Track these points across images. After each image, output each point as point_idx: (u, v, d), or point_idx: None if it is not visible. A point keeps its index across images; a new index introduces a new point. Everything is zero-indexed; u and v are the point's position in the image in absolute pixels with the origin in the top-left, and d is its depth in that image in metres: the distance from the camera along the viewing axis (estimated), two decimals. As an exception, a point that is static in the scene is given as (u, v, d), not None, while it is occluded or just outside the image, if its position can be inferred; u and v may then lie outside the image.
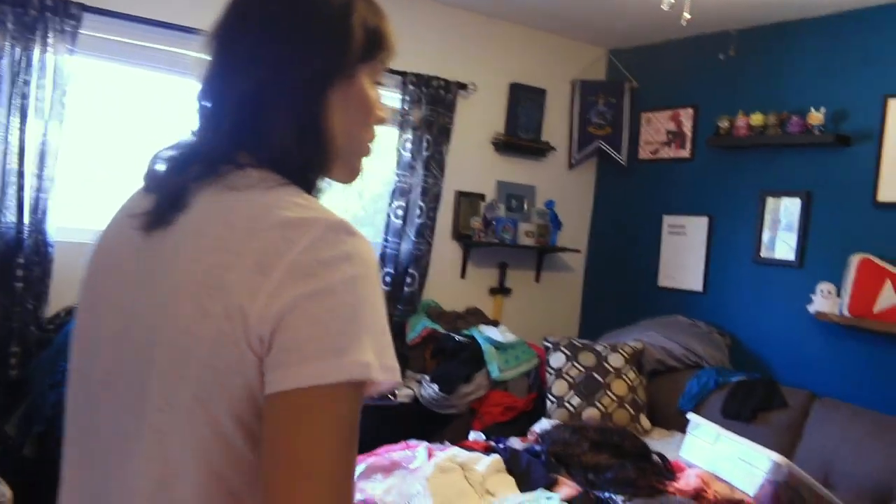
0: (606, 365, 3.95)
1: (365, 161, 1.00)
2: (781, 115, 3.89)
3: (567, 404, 3.86)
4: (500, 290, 4.81)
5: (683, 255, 4.49)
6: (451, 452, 2.96)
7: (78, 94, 3.39)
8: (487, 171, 4.70)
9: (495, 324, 4.41)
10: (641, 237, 4.76)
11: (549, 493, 2.73)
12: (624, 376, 3.93)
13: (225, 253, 0.80)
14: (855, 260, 3.52)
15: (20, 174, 3.23)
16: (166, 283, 0.84)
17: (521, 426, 3.76)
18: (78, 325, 0.96)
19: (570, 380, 3.92)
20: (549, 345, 4.10)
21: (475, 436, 3.45)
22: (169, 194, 0.88)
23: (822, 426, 3.43)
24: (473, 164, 4.62)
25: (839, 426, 3.36)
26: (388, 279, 4.27)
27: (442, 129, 4.29)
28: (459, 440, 3.33)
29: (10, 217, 3.24)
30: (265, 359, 0.77)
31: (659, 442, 3.64)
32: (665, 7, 2.96)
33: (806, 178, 3.87)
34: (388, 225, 4.27)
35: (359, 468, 2.72)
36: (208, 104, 0.91)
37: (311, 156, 0.89)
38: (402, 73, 4.20)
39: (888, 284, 3.41)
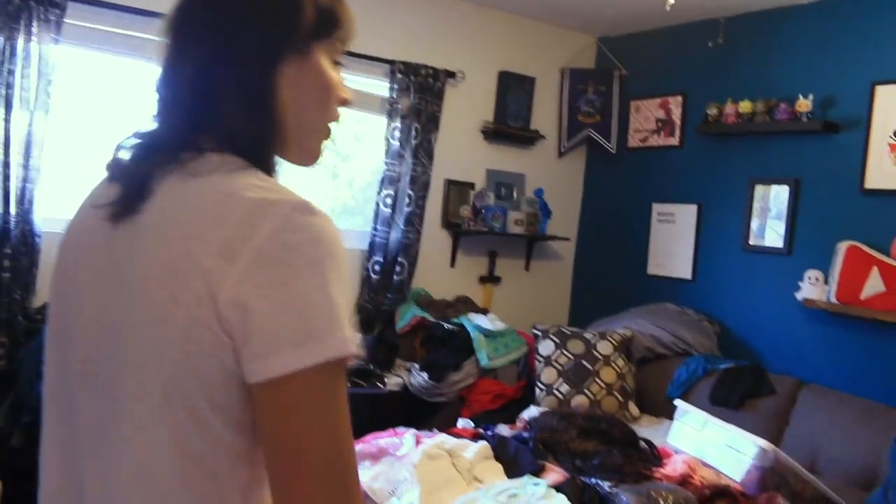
0: (595, 352, 3.96)
1: (326, 144, 1.00)
2: (770, 103, 3.90)
3: (556, 392, 3.87)
4: (490, 279, 4.82)
5: (672, 243, 4.50)
6: (438, 439, 2.97)
7: (63, 83, 3.37)
8: (477, 159, 4.69)
9: (485, 312, 4.42)
10: (631, 225, 4.77)
11: (536, 480, 2.75)
12: (613, 364, 3.94)
13: (191, 240, 0.81)
14: (842, 247, 3.53)
15: (6, 164, 3.22)
16: (136, 272, 0.84)
17: (510, 414, 3.77)
18: (51, 317, 0.96)
19: (559, 367, 3.93)
20: (538, 333, 4.11)
21: (464, 423, 3.46)
22: (133, 183, 0.88)
23: (809, 413, 3.45)
24: (462, 152, 4.62)
25: (826, 413, 3.38)
26: (377, 268, 4.27)
27: (430, 118, 4.28)
28: (448, 428, 3.34)
29: (-3, 207, 3.23)
30: (242, 347, 0.79)
31: (647, 429, 3.66)
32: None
33: (794, 165, 3.88)
34: (377, 213, 4.26)
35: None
36: (165, 90, 0.92)
37: (261, 133, 0.89)
38: (391, 62, 4.19)
39: (875, 271, 3.43)
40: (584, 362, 3.93)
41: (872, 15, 3.61)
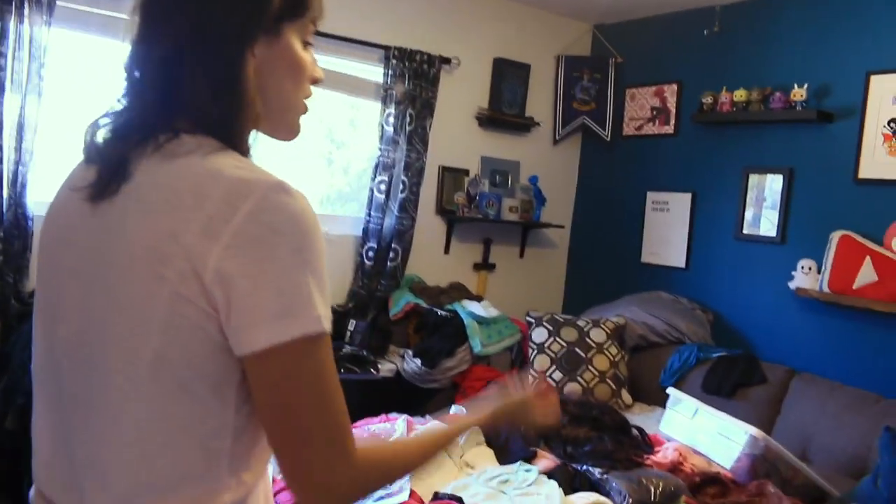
0: (588, 340, 3.97)
1: (303, 119, 1.04)
2: (764, 91, 3.89)
3: (549, 379, 3.87)
4: (485, 266, 4.82)
5: (667, 232, 4.51)
6: (430, 425, 2.98)
7: (55, 66, 3.35)
8: (471, 146, 4.68)
9: (479, 299, 4.42)
10: (625, 213, 4.77)
11: (527, 466, 2.76)
12: (606, 351, 3.95)
13: (173, 220, 0.84)
14: (835, 237, 3.54)
15: (-2, 147, 3.21)
16: (119, 251, 0.87)
17: (503, 400, 3.77)
18: (38, 298, 1.00)
19: (552, 355, 3.94)
20: (531, 320, 4.11)
21: (456, 409, 3.47)
22: (110, 165, 0.91)
23: (800, 401, 3.47)
24: (457, 139, 4.61)
25: (817, 401, 3.40)
26: (371, 254, 4.26)
27: (425, 104, 4.27)
28: (442, 414, 3.34)
29: (-10, 191, 3.22)
30: (226, 322, 0.84)
31: (640, 417, 3.67)
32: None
33: (788, 154, 3.88)
34: (371, 200, 4.26)
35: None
36: (135, 70, 0.93)
37: (231, 114, 0.91)
38: (385, 47, 4.17)
39: (868, 261, 3.43)
40: (578, 350, 3.94)
41: (867, 4, 3.60)
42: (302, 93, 1.01)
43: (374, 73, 4.24)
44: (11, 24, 3.16)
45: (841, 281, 3.50)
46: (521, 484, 2.61)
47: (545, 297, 5.07)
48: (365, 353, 3.86)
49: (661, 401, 3.56)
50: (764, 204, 3.98)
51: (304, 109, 1.03)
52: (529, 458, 2.86)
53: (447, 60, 4.40)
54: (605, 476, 2.69)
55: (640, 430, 3.16)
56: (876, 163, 3.49)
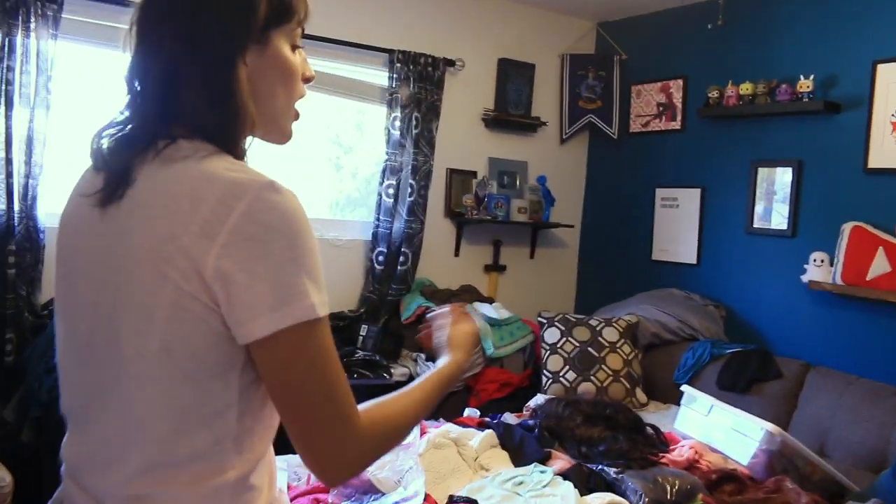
0: (601, 339, 3.95)
1: (308, 123, 1.10)
2: (771, 84, 3.87)
3: (562, 379, 3.87)
4: (495, 268, 4.81)
5: (677, 228, 4.49)
6: (444, 429, 2.97)
7: (63, 79, 3.37)
8: (478, 147, 4.68)
9: (490, 301, 4.42)
10: (634, 211, 4.76)
11: (542, 467, 2.75)
12: (619, 350, 3.94)
13: (173, 222, 0.91)
14: (847, 228, 3.52)
15: (8, 161, 3.22)
16: (126, 253, 0.95)
17: (517, 402, 3.77)
18: (57, 299, 1.08)
19: (566, 355, 3.92)
20: (543, 320, 4.10)
21: (470, 412, 3.46)
22: (116, 172, 0.98)
23: (816, 395, 3.44)
24: (464, 141, 4.60)
25: (834, 395, 3.37)
26: (381, 258, 4.26)
27: (431, 107, 4.27)
28: (455, 417, 3.34)
29: (1, 205, 3.24)
30: (228, 314, 0.91)
31: (655, 415, 3.65)
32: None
33: (797, 146, 3.86)
34: (379, 204, 4.26)
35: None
36: (135, 81, 1.01)
37: (226, 121, 0.98)
38: (389, 51, 4.18)
39: (881, 252, 3.41)
40: (590, 349, 3.92)
41: (873, -7, 3.58)
42: (295, 95, 1.08)
43: (378, 77, 4.24)
44: (18, 39, 3.18)
45: (854, 272, 3.47)
46: (535, 485, 2.60)
47: (557, 297, 5.06)
48: (377, 357, 3.86)
49: (675, 398, 3.54)
50: (774, 197, 3.96)
51: (296, 115, 1.10)
52: (544, 460, 2.85)
53: (451, 62, 4.40)
54: (620, 476, 2.68)
55: (655, 428, 3.14)
56: (885, 152, 3.47)
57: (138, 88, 1.00)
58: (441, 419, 3.25)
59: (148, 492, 0.96)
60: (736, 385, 3.64)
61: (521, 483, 2.62)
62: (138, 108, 1.00)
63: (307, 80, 1.10)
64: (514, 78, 4.71)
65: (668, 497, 2.56)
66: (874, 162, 3.51)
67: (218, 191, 0.91)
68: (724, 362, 3.76)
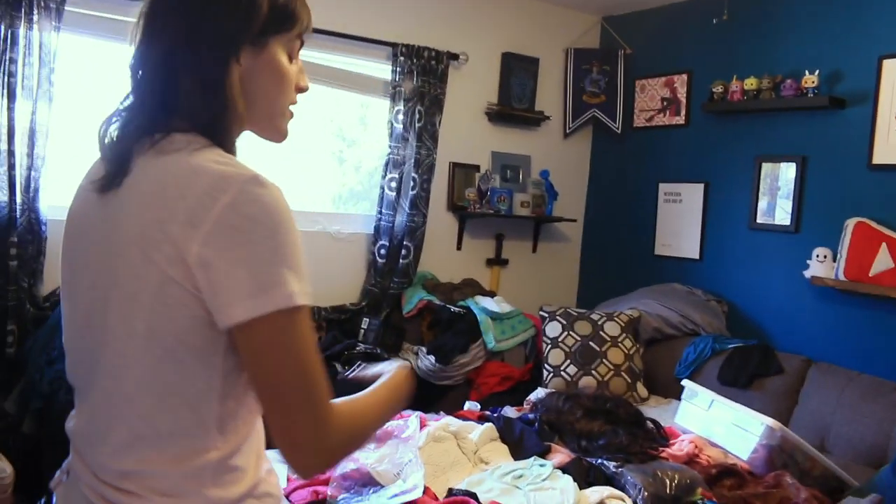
0: (603, 334, 3.95)
1: (291, 124, 1.16)
2: (775, 79, 3.86)
3: (563, 373, 3.87)
4: (497, 261, 4.81)
5: (680, 223, 4.48)
6: (444, 422, 2.97)
7: (66, 71, 3.37)
8: (481, 141, 4.67)
9: (492, 294, 4.41)
10: (637, 205, 4.75)
11: (542, 461, 2.75)
12: (620, 345, 3.93)
13: (161, 210, 0.96)
14: (850, 224, 3.51)
15: (10, 153, 3.22)
16: (117, 237, 1.00)
17: (518, 396, 3.77)
18: (62, 281, 1.14)
19: (567, 349, 3.92)
20: (545, 314, 4.10)
21: (470, 405, 3.47)
22: (115, 161, 1.04)
23: (817, 391, 3.44)
24: (467, 134, 4.60)
25: (835, 391, 3.36)
26: (383, 252, 4.26)
27: (434, 100, 4.26)
28: (456, 411, 3.34)
29: (3, 196, 3.24)
30: (210, 300, 0.95)
31: (656, 409, 3.65)
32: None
33: (801, 142, 3.84)
34: (381, 197, 4.25)
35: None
36: (137, 70, 1.06)
37: (216, 114, 1.03)
38: (393, 45, 4.17)
39: (884, 248, 3.40)
40: (592, 343, 3.92)
41: (879, -12, 3.56)
42: (287, 100, 1.14)
43: (382, 70, 4.24)
44: (21, 31, 3.18)
45: (857, 268, 3.46)
46: (535, 479, 2.60)
47: (558, 291, 5.06)
48: (379, 350, 3.86)
49: (677, 393, 3.53)
50: (778, 193, 3.95)
51: (291, 115, 1.16)
52: (544, 453, 2.85)
53: (455, 56, 4.39)
54: (619, 469, 2.68)
55: (655, 422, 3.14)
56: (890, 148, 3.45)
57: (140, 77, 1.05)
58: (441, 412, 3.26)
59: (134, 468, 1.01)
60: (737, 380, 3.63)
61: (520, 476, 2.63)
62: (139, 97, 1.06)
63: (301, 90, 1.16)
64: (517, 72, 4.70)
65: (668, 491, 2.56)
66: (879, 158, 3.49)
67: (205, 182, 0.95)
68: (726, 357, 3.76)
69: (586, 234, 5.15)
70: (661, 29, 4.67)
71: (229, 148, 1.05)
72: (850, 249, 3.49)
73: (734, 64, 4.11)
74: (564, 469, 2.69)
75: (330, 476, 2.49)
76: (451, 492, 2.50)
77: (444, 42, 4.35)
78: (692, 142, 4.44)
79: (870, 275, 3.42)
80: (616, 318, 4.02)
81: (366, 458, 2.58)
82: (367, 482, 2.48)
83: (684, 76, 4.45)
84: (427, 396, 3.85)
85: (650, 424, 3.11)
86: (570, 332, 3.96)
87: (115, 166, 1.03)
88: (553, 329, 4.00)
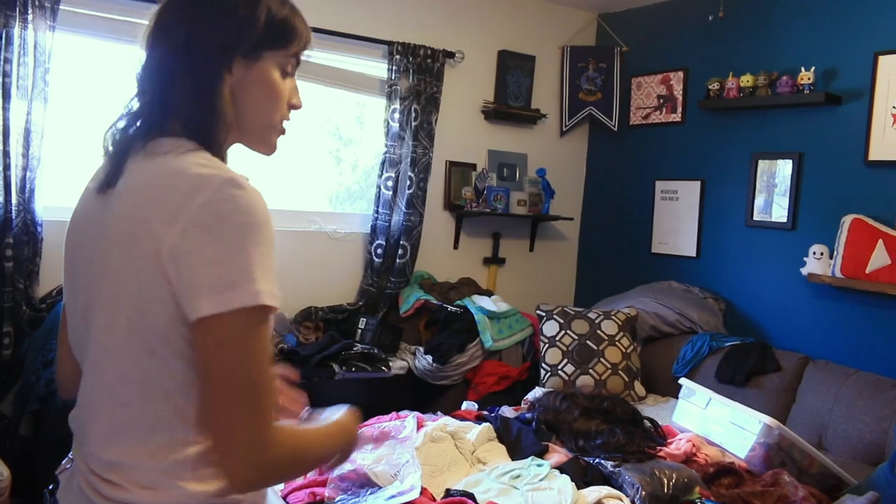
0: (600, 332, 3.95)
1: (286, 124, 1.20)
2: (771, 76, 3.86)
3: (561, 372, 3.86)
4: (494, 260, 4.81)
5: (676, 221, 4.48)
6: (441, 422, 2.97)
7: (61, 71, 3.36)
8: (478, 140, 4.67)
9: (489, 294, 4.41)
10: (634, 203, 4.75)
11: (539, 461, 2.74)
12: (618, 343, 3.93)
13: (144, 209, 1.01)
14: (847, 221, 3.50)
15: (6, 154, 3.21)
16: (106, 234, 1.06)
17: (515, 395, 3.77)
18: (64, 277, 1.19)
19: (564, 348, 3.92)
20: (542, 313, 4.09)
21: (468, 405, 3.46)
22: (113, 162, 1.10)
23: (815, 388, 3.43)
24: (463, 133, 4.59)
25: (832, 388, 3.36)
26: (380, 251, 4.26)
27: (430, 99, 4.25)
28: (454, 411, 3.33)
29: (-3, 197, 3.23)
30: (179, 294, 0.99)
31: (653, 408, 3.65)
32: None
33: (797, 139, 3.84)
34: (378, 196, 4.25)
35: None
36: (144, 76, 1.12)
37: (206, 119, 1.08)
38: (389, 43, 4.16)
39: (880, 244, 3.40)
40: (589, 342, 3.92)
41: (875, -16, 3.55)
42: (278, 115, 1.17)
43: (378, 68, 4.23)
44: (16, 30, 3.16)
45: (853, 265, 3.46)
46: (532, 479, 2.60)
47: (556, 290, 5.06)
48: (376, 351, 3.85)
49: (674, 392, 3.53)
50: (774, 190, 3.95)
51: (282, 131, 1.19)
52: (541, 453, 2.85)
53: (451, 54, 4.38)
54: (617, 469, 2.67)
55: (653, 421, 3.13)
56: (886, 144, 3.45)
57: (143, 81, 1.12)
58: (439, 412, 3.25)
59: (118, 459, 1.05)
60: (735, 378, 3.63)
61: (518, 476, 2.62)
62: (142, 100, 1.11)
63: (293, 107, 1.19)
64: (513, 70, 4.69)
65: (665, 490, 2.56)
66: (875, 154, 3.49)
67: (185, 183, 1.00)
68: (723, 355, 3.75)
69: (583, 233, 5.15)
70: (657, 26, 4.66)
71: (217, 152, 1.09)
72: (846, 246, 3.49)
73: (730, 61, 4.11)
74: (562, 469, 2.69)
75: (328, 477, 2.48)
76: (448, 492, 2.49)
77: (440, 40, 4.34)
78: (689, 139, 4.43)
79: (867, 271, 3.42)
80: (613, 317, 4.02)
81: (363, 458, 2.57)
82: (364, 483, 2.48)
83: (680, 73, 4.45)
84: (424, 397, 3.85)
85: (648, 423, 3.10)
86: (568, 331, 3.96)
87: (112, 167, 1.09)
88: (550, 328, 4.00)
